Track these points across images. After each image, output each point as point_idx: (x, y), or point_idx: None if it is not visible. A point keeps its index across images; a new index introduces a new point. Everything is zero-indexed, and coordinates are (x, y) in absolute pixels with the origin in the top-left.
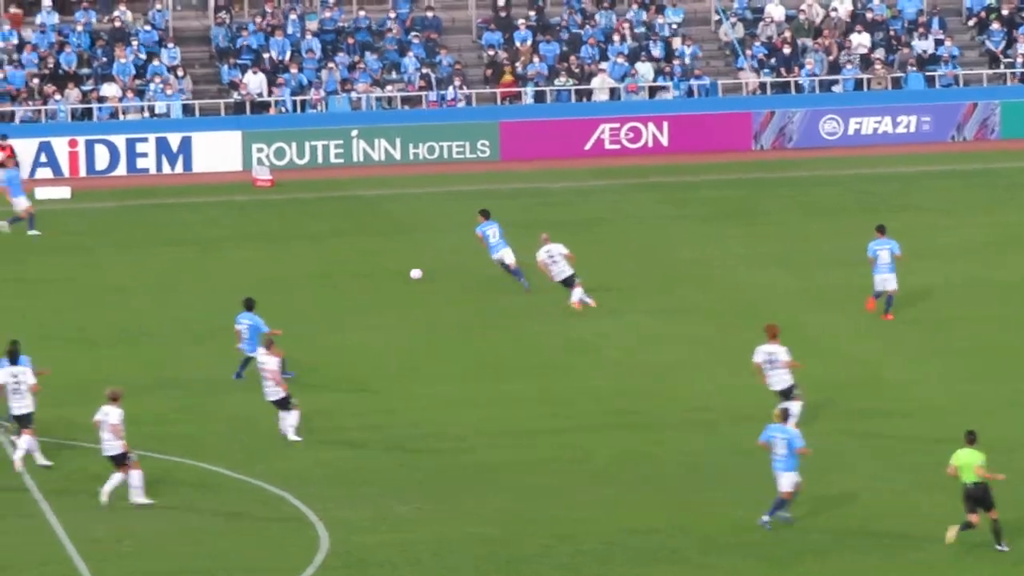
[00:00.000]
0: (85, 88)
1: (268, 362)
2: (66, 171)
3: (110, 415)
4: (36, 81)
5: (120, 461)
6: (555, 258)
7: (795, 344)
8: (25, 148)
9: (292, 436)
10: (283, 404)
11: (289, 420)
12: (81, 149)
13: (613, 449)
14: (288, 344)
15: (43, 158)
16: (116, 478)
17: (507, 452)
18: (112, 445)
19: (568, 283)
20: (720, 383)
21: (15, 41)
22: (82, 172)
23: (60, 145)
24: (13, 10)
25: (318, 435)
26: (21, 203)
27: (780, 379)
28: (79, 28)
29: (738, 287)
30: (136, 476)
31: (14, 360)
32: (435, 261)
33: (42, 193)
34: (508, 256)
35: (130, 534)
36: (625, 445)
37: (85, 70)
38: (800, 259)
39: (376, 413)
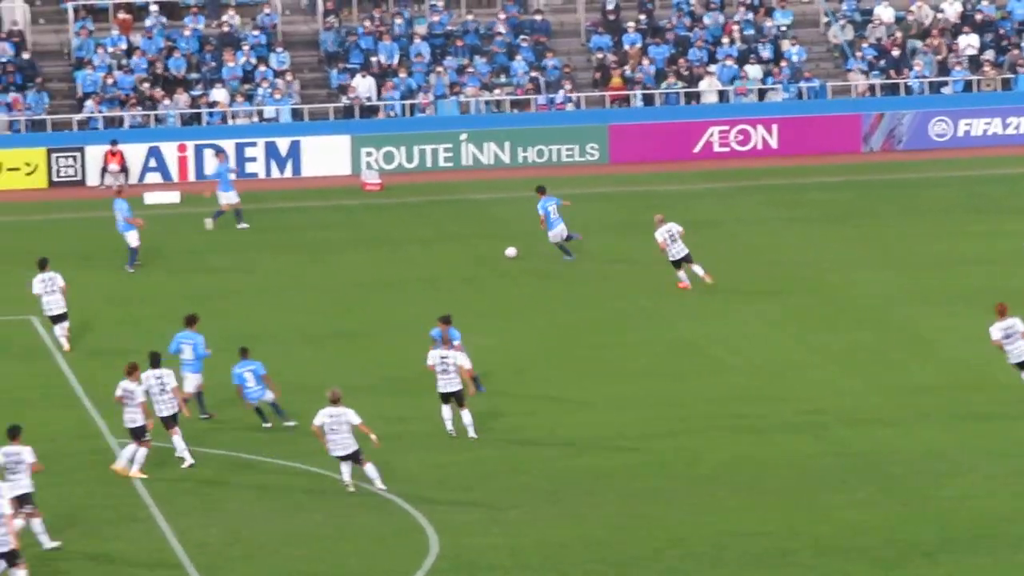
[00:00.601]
0: (194, 93)
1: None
2: (175, 176)
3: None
4: (145, 86)
5: (139, 435)
6: (674, 236)
7: (908, 346)
8: (135, 153)
9: (472, 434)
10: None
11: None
12: (190, 154)
13: (724, 452)
14: (397, 349)
15: (152, 163)
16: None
17: (617, 455)
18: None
19: (687, 260)
20: (831, 385)
21: (124, 46)
22: (191, 177)
23: (169, 150)
24: (122, 15)
25: (428, 439)
26: (230, 198)
27: (1020, 351)
28: (187, 33)
29: (848, 289)
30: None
31: (156, 364)
32: (543, 265)
33: (151, 198)
34: (564, 231)
35: (241, 538)
36: (736, 448)
37: (194, 75)
38: (910, 261)
39: (486, 416)
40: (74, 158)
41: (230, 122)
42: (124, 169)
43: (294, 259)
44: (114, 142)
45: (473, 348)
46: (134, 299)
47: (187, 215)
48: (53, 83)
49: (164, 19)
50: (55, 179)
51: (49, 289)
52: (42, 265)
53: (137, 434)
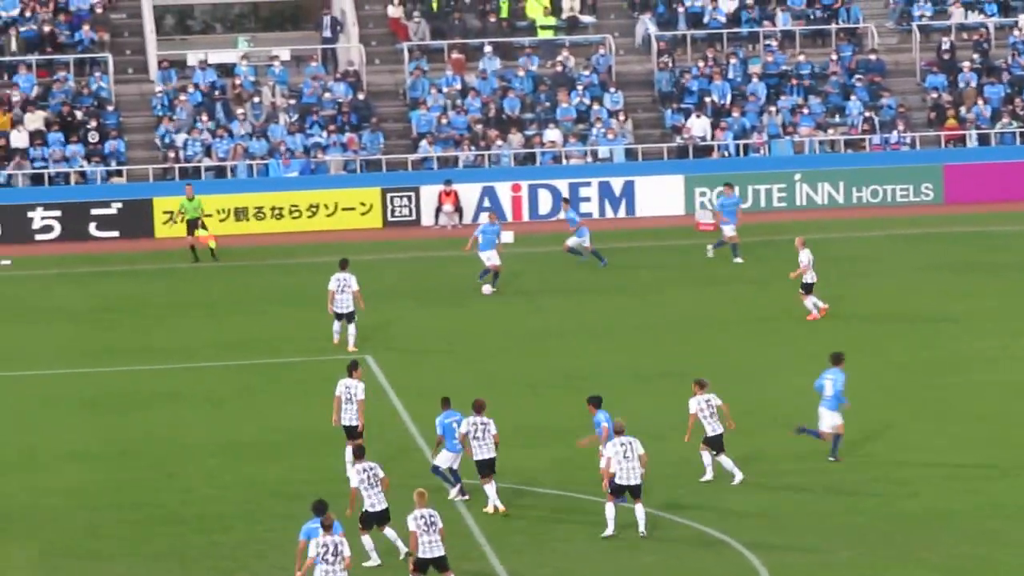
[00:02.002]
0: (528, 133)
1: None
2: (509, 215)
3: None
4: (480, 126)
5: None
6: (813, 261)
7: None
8: (469, 193)
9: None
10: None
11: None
12: (524, 193)
13: None
14: (727, 387)
15: (486, 202)
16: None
17: (954, 497)
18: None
19: (809, 289)
20: None
21: (458, 87)
22: (525, 216)
23: (503, 190)
24: (456, 56)
25: (758, 478)
26: (729, 231)
27: None
28: (521, 73)
29: None
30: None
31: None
32: (879, 305)
33: None
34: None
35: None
36: None
37: (528, 115)
38: None
39: (815, 456)
40: (409, 198)
41: (564, 162)
42: (458, 209)
43: (625, 298)
44: (448, 182)
45: (802, 389)
46: (463, 336)
47: (521, 255)
48: (388, 123)
49: (498, 60)
50: (390, 219)
51: (342, 287)
52: (342, 265)
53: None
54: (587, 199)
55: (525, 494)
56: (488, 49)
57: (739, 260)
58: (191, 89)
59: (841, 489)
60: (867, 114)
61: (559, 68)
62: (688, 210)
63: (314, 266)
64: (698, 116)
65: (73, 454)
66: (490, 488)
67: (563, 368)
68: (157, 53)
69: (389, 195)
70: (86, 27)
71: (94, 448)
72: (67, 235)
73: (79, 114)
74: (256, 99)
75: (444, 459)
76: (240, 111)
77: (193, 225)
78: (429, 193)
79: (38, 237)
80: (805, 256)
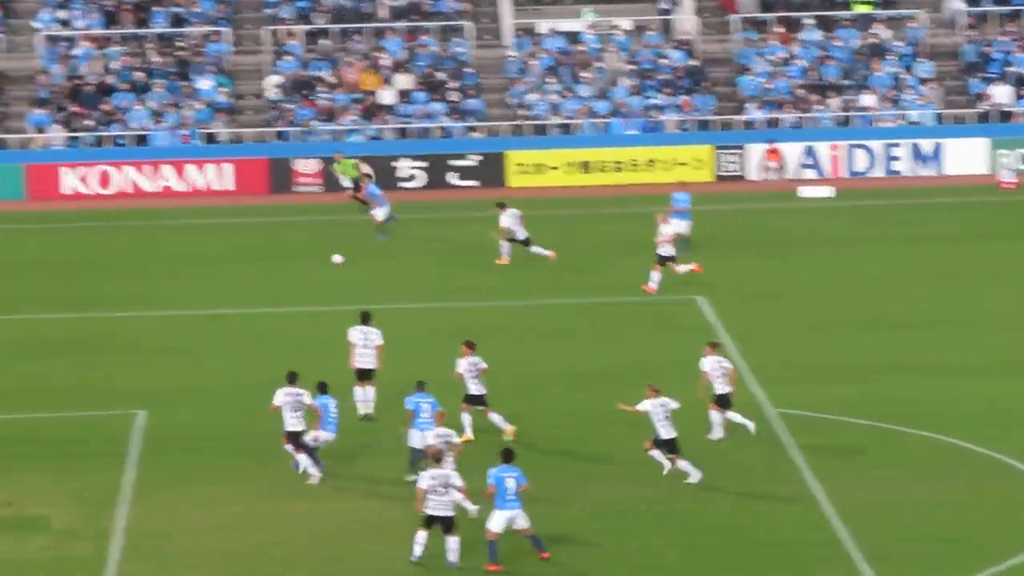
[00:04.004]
0: (845, 98)
1: None
2: (828, 172)
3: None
4: (801, 91)
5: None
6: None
7: None
8: (791, 151)
9: None
10: None
11: None
12: (842, 153)
13: None
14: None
15: (808, 160)
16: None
17: None
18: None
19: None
20: None
21: (782, 55)
22: (843, 173)
23: (823, 149)
24: (781, 28)
25: None
26: None
27: None
28: (839, 44)
29: None
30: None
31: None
32: None
33: (806, 192)
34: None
35: (885, 500)
36: None
37: (846, 81)
38: None
39: None
40: (737, 155)
41: (877, 124)
42: (782, 166)
43: (928, 249)
44: (772, 141)
45: None
46: (792, 281)
47: (839, 208)
48: (718, 87)
49: (818, 32)
50: (720, 173)
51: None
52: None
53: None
54: (898, 158)
55: (842, 424)
56: (810, 22)
57: None
58: (542, 54)
59: None
60: None
61: (874, 39)
62: (991, 170)
63: (646, 216)
64: (1001, 84)
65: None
66: (493, 416)
67: (874, 312)
68: (512, 21)
69: (719, 152)
70: None
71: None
72: (429, 184)
73: (442, 75)
74: (600, 64)
75: (415, 439)
76: (585, 75)
77: (355, 182)
78: (755, 151)
79: (402, 185)
80: None
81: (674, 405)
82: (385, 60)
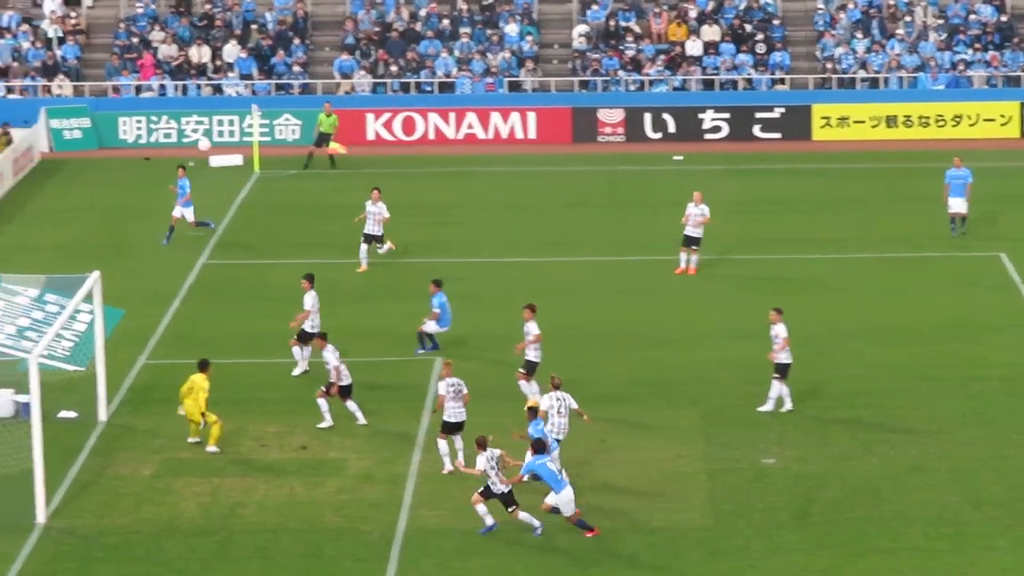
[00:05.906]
0: None
1: None
2: None
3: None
4: None
5: None
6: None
7: None
8: None
9: None
10: None
11: None
12: None
13: None
14: None
15: None
16: None
17: None
18: None
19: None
20: None
21: None
22: None
23: None
24: None
25: None
26: None
27: None
28: None
29: None
30: None
31: None
32: None
33: None
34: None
35: None
36: None
37: None
38: None
39: None
40: None
41: None
42: None
43: None
44: None
45: None
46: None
47: None
48: None
49: None
50: None
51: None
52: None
53: None
54: None
55: None
56: None
57: None
58: (850, 7)
59: None
60: None
61: None
62: None
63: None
64: None
65: (733, 331)
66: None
67: None
68: None
69: None
70: None
71: (748, 327)
72: (734, 135)
73: (749, 27)
74: (908, 19)
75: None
76: (894, 28)
77: (324, 138)
78: None
79: (707, 136)
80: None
81: (573, 404)
82: (692, 11)
